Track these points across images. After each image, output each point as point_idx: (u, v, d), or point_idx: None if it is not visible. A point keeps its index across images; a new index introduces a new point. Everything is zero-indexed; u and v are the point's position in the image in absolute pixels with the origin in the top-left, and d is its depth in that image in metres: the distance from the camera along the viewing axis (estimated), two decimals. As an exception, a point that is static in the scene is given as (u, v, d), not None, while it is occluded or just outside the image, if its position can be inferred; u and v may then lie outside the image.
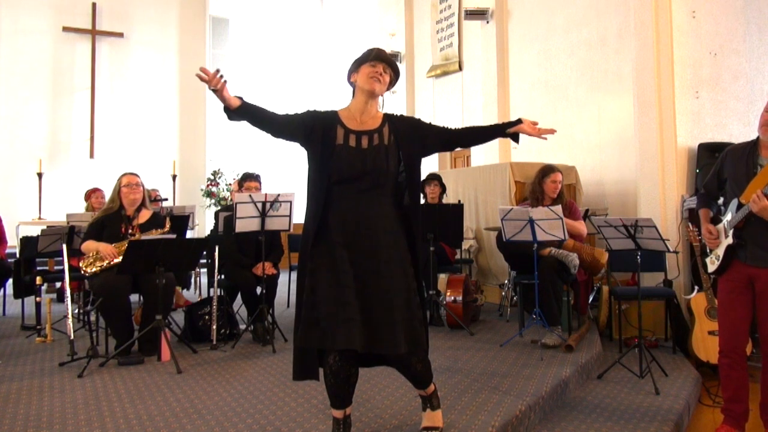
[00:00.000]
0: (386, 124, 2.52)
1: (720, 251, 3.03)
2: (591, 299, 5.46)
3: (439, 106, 9.78)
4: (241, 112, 2.48)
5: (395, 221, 2.48)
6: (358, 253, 2.38)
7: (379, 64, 2.47)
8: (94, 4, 11.76)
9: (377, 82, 2.46)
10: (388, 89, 2.57)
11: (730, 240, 2.97)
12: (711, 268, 3.12)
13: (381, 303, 2.34)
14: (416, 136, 2.55)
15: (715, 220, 3.13)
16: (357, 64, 2.52)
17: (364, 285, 2.35)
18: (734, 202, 2.96)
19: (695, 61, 5.49)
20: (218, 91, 2.43)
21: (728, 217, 2.99)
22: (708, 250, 3.14)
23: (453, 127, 2.66)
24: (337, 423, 2.53)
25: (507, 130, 2.63)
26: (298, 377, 2.49)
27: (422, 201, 5.61)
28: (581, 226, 4.73)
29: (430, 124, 2.64)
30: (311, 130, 2.48)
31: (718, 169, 3.15)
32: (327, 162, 2.43)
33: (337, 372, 2.40)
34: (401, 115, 2.65)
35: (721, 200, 3.19)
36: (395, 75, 2.58)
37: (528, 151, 8.03)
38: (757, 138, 2.99)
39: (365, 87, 2.47)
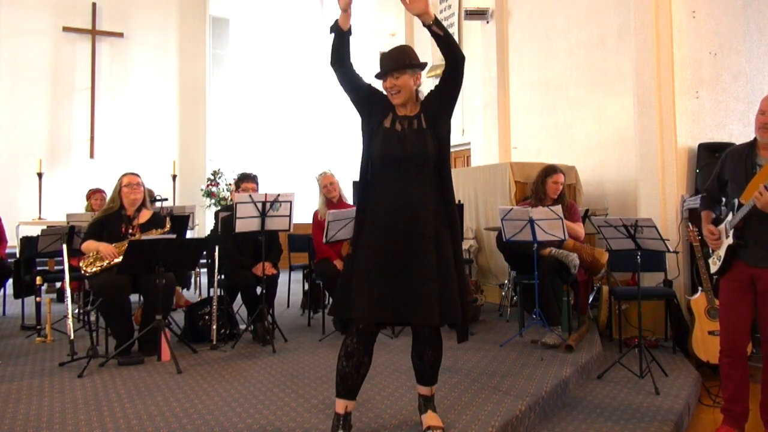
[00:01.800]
0: (422, 108, 2.65)
1: (721, 252, 3.05)
2: (591, 299, 5.46)
3: (439, 106, 9.77)
4: (346, 35, 2.60)
5: (436, 202, 2.58)
6: (396, 231, 2.51)
7: (388, 79, 2.59)
8: (94, 4, 11.76)
9: (395, 95, 2.60)
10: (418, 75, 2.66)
11: (730, 240, 2.98)
12: (713, 268, 3.13)
13: (416, 277, 2.45)
14: (437, 106, 2.64)
15: (718, 222, 3.14)
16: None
17: (400, 263, 2.48)
18: (734, 203, 2.97)
19: (695, 61, 5.49)
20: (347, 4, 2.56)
21: (729, 218, 3.01)
22: (710, 251, 3.16)
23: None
24: (338, 418, 2.54)
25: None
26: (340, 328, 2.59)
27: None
28: (579, 228, 4.73)
29: (435, 88, 2.69)
30: (374, 105, 2.65)
31: (718, 171, 3.17)
32: (372, 141, 2.61)
33: (351, 354, 2.48)
34: (427, 95, 2.71)
35: (723, 201, 3.21)
36: (414, 64, 2.61)
37: (528, 152, 8.05)
38: (755, 139, 3.02)
39: (392, 102, 2.64)
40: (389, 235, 2.51)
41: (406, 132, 2.58)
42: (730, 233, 2.98)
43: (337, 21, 2.59)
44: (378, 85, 2.72)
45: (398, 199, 2.54)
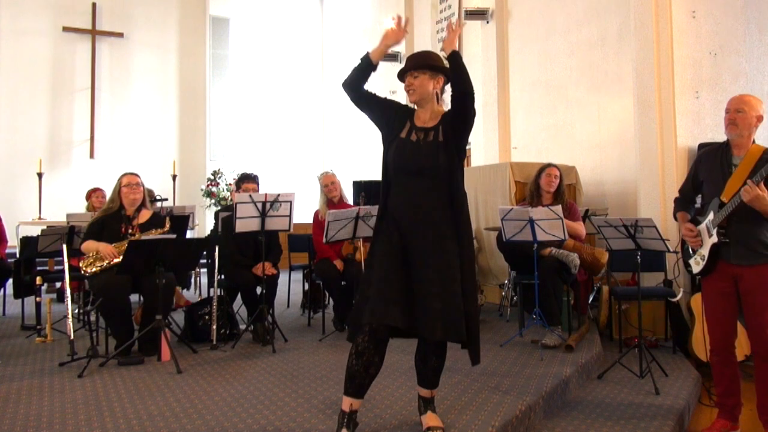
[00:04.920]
0: (442, 121, 2.67)
1: (705, 251, 3.07)
2: (591, 299, 5.46)
3: (439, 106, 9.77)
4: (372, 69, 2.70)
5: (445, 214, 2.59)
6: (407, 240, 2.57)
7: (406, 77, 2.67)
8: (94, 4, 11.76)
9: (410, 94, 2.69)
10: (443, 79, 2.70)
11: (714, 239, 3.00)
12: (696, 269, 3.15)
13: (420, 289, 2.49)
14: (451, 126, 2.65)
15: (694, 221, 3.18)
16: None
17: (409, 271, 2.52)
18: (715, 202, 3.01)
19: (695, 61, 5.48)
20: (390, 44, 2.69)
21: (710, 216, 3.04)
22: (691, 251, 3.17)
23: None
24: (342, 415, 2.54)
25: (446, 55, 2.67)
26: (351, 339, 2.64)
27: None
28: (580, 228, 4.73)
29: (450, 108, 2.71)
30: (391, 118, 2.72)
31: (693, 173, 3.24)
32: (388, 150, 2.68)
33: (361, 353, 2.48)
34: (448, 111, 2.72)
35: (698, 203, 3.28)
36: (434, 66, 2.66)
37: (528, 152, 8.04)
38: (727, 140, 3.09)
39: (409, 101, 2.72)
40: (397, 243, 2.57)
41: (421, 143, 2.63)
42: (713, 232, 3.01)
43: (368, 54, 2.68)
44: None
45: (407, 209, 2.60)
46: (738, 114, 2.99)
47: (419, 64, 2.66)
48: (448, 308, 2.47)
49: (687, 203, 3.29)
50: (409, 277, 2.52)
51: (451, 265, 2.53)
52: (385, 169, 2.71)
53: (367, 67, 2.69)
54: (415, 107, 2.74)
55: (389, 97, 2.84)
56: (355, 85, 2.71)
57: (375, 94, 2.74)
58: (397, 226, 2.60)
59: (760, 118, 3.03)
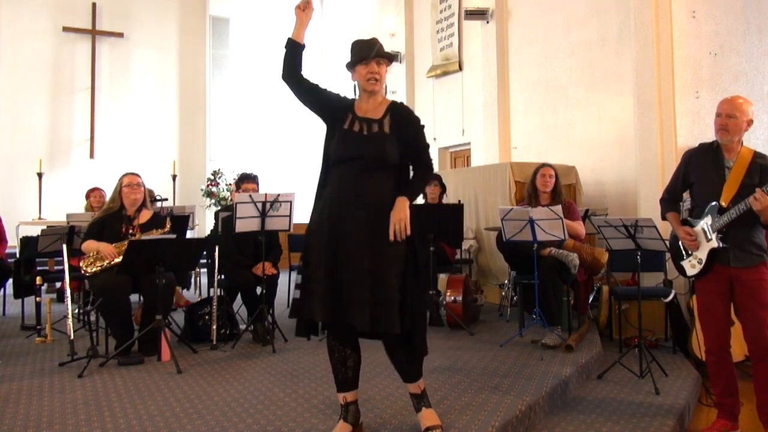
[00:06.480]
0: (389, 113, 2.61)
1: (702, 255, 3.07)
2: (591, 299, 5.46)
3: (439, 106, 9.78)
4: (299, 50, 2.67)
5: (386, 204, 2.50)
6: (344, 231, 2.47)
7: (372, 62, 2.57)
8: (94, 4, 11.76)
9: (375, 82, 2.59)
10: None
11: (714, 244, 3.01)
12: (691, 271, 3.15)
13: (354, 280, 2.42)
14: (409, 133, 2.61)
15: (686, 223, 3.18)
16: (351, 65, 2.64)
17: (343, 262, 2.45)
18: (713, 206, 3.01)
19: (695, 61, 5.49)
20: (305, 17, 2.68)
21: (707, 220, 3.03)
22: (684, 253, 3.16)
23: (418, 164, 2.64)
24: (341, 407, 2.62)
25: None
26: (299, 334, 2.64)
27: (422, 201, 5.63)
28: (579, 227, 4.73)
29: (419, 137, 2.63)
30: (333, 110, 2.67)
31: (683, 173, 3.23)
32: (331, 143, 2.61)
33: (332, 349, 2.61)
34: (406, 109, 2.70)
35: (688, 204, 3.29)
36: (390, 57, 2.67)
37: (528, 152, 8.05)
38: (716, 141, 3.11)
39: (366, 88, 2.61)
40: (328, 232, 2.48)
41: (365, 134, 2.56)
42: (712, 236, 3.01)
43: (290, 38, 2.66)
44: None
45: (346, 198, 2.50)
46: (730, 120, 3.01)
47: (383, 53, 2.60)
48: (378, 300, 2.39)
49: (675, 203, 3.30)
50: (331, 268, 2.44)
51: (386, 255, 2.44)
52: (325, 162, 2.62)
53: (293, 48, 2.64)
54: (356, 97, 2.67)
55: (389, 96, 2.82)
56: (291, 72, 2.65)
57: (317, 85, 2.68)
58: (331, 219, 2.49)
59: (750, 123, 3.05)
